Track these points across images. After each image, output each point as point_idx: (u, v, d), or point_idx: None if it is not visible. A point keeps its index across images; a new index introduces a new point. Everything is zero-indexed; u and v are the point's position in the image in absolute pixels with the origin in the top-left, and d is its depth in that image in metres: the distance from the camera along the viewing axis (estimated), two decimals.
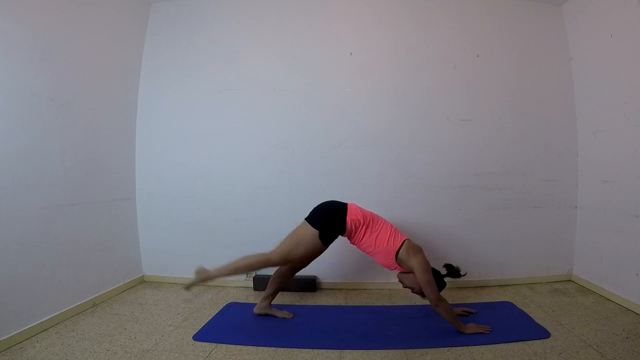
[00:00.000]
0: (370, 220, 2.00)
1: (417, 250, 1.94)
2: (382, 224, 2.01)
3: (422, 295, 1.94)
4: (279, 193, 2.73)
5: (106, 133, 2.57)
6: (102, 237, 2.50)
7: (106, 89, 2.55)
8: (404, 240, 1.96)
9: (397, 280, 2.12)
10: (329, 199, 2.12)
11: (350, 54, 2.72)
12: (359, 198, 2.27)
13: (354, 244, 2.05)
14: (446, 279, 2.04)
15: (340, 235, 2.04)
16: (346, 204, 2.05)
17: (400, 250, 1.92)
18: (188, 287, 2.03)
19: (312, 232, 1.95)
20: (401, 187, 2.70)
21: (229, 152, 2.77)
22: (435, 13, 2.73)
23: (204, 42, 2.81)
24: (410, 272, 1.94)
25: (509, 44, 2.74)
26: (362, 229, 1.98)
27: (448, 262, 2.08)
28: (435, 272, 1.96)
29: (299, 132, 2.72)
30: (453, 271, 2.03)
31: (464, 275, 2.04)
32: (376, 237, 1.95)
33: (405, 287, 2.06)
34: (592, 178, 2.61)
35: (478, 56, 2.72)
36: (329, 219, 1.98)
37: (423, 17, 2.73)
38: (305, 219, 2.03)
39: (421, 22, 2.73)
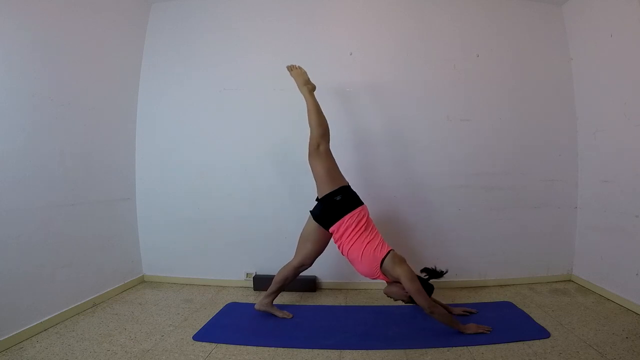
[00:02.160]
0: (371, 227, 2.02)
1: (402, 260, 1.93)
2: (375, 233, 2.01)
3: (414, 303, 1.91)
4: (279, 192, 2.74)
5: (106, 133, 2.56)
6: (102, 237, 2.50)
7: (106, 89, 2.55)
8: (390, 250, 1.95)
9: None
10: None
11: (350, 54, 2.72)
12: None
13: (340, 246, 2.01)
14: (431, 281, 1.99)
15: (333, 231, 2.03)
16: (363, 202, 2.09)
17: (386, 259, 1.91)
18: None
19: (312, 223, 2.08)
20: (401, 187, 2.70)
21: (230, 151, 2.77)
22: (435, 13, 2.73)
23: (203, 42, 2.81)
24: (395, 281, 1.93)
25: (509, 44, 2.74)
26: (359, 228, 1.96)
27: (424, 266, 2.02)
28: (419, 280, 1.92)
29: (299, 132, 2.71)
30: (433, 273, 1.98)
31: (445, 272, 1.98)
32: (367, 243, 1.94)
33: (396, 300, 2.02)
34: (592, 178, 2.60)
35: (478, 56, 2.72)
36: (340, 200, 2.01)
37: (423, 18, 2.73)
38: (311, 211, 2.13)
39: (421, 22, 2.73)
